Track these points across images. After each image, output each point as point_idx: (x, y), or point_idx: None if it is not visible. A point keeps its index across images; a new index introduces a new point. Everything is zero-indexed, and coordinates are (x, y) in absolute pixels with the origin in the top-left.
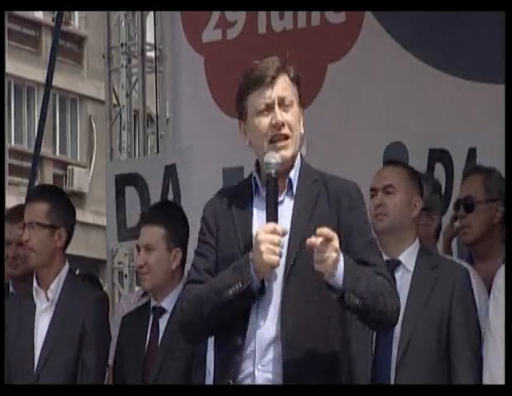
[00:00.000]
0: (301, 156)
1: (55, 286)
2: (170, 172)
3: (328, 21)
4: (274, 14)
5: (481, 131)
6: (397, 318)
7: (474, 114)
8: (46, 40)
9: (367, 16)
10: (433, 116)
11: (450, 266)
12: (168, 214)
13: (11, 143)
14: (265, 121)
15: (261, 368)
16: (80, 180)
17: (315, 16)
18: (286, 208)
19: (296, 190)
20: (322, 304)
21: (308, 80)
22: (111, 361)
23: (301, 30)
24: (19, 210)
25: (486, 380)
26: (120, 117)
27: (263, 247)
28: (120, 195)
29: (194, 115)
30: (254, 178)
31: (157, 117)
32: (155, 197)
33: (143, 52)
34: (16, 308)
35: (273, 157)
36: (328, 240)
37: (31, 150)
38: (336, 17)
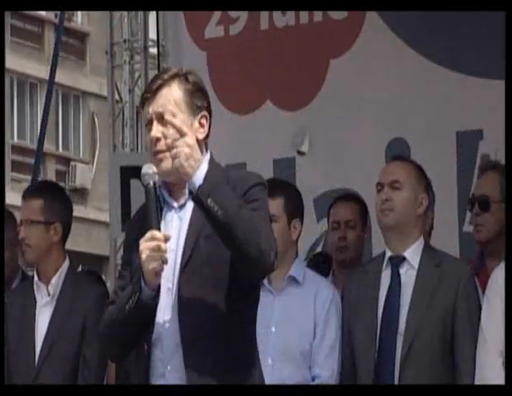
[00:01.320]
0: (210, 157)
1: (56, 281)
2: None
3: (330, 17)
4: None
5: (483, 127)
6: (271, 260)
7: (477, 110)
8: (49, 37)
9: (369, 11)
10: (435, 113)
11: (454, 263)
12: None
13: (13, 139)
14: (148, 137)
15: (170, 370)
16: (83, 176)
17: (318, 12)
18: (189, 210)
19: None
20: (219, 301)
21: (310, 76)
22: None
23: (303, 26)
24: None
25: (477, 381)
26: (123, 113)
27: (143, 256)
28: (125, 187)
29: None
30: (161, 191)
31: None
32: None
33: (145, 48)
34: (16, 303)
35: (149, 168)
36: (181, 135)
37: (34, 146)
38: (338, 13)
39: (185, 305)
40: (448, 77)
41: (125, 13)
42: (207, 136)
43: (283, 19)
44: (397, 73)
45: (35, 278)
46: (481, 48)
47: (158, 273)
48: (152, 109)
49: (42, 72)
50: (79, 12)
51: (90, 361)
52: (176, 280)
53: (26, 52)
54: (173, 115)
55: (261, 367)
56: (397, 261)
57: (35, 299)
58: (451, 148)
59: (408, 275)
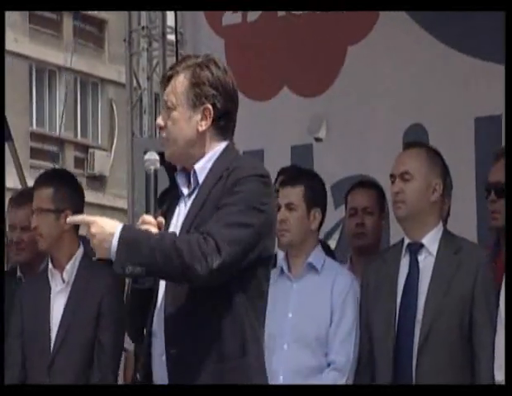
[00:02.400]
0: (225, 147)
1: (71, 268)
2: None
3: None
4: None
5: (502, 113)
6: (202, 268)
7: (496, 96)
8: (68, 24)
9: None
10: (453, 98)
11: (473, 249)
12: None
13: (32, 126)
14: None
15: (165, 360)
16: (101, 163)
17: None
18: (192, 200)
19: (203, 181)
20: (206, 293)
21: (328, 62)
22: (131, 347)
23: (320, 12)
24: (23, 195)
25: (496, 368)
26: (141, 100)
27: None
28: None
29: None
30: (177, 179)
31: None
32: None
33: (164, 35)
34: (30, 291)
35: (151, 155)
36: (88, 226)
37: (52, 133)
38: None
39: (170, 293)
40: (467, 62)
41: None
42: (222, 127)
43: None
44: (415, 59)
45: (50, 265)
46: (499, 33)
47: None
48: (163, 96)
49: (61, 59)
50: None
51: (105, 346)
52: None
53: (44, 39)
54: (173, 106)
55: (261, 355)
56: (415, 249)
57: (49, 286)
58: (469, 134)
59: (426, 261)
